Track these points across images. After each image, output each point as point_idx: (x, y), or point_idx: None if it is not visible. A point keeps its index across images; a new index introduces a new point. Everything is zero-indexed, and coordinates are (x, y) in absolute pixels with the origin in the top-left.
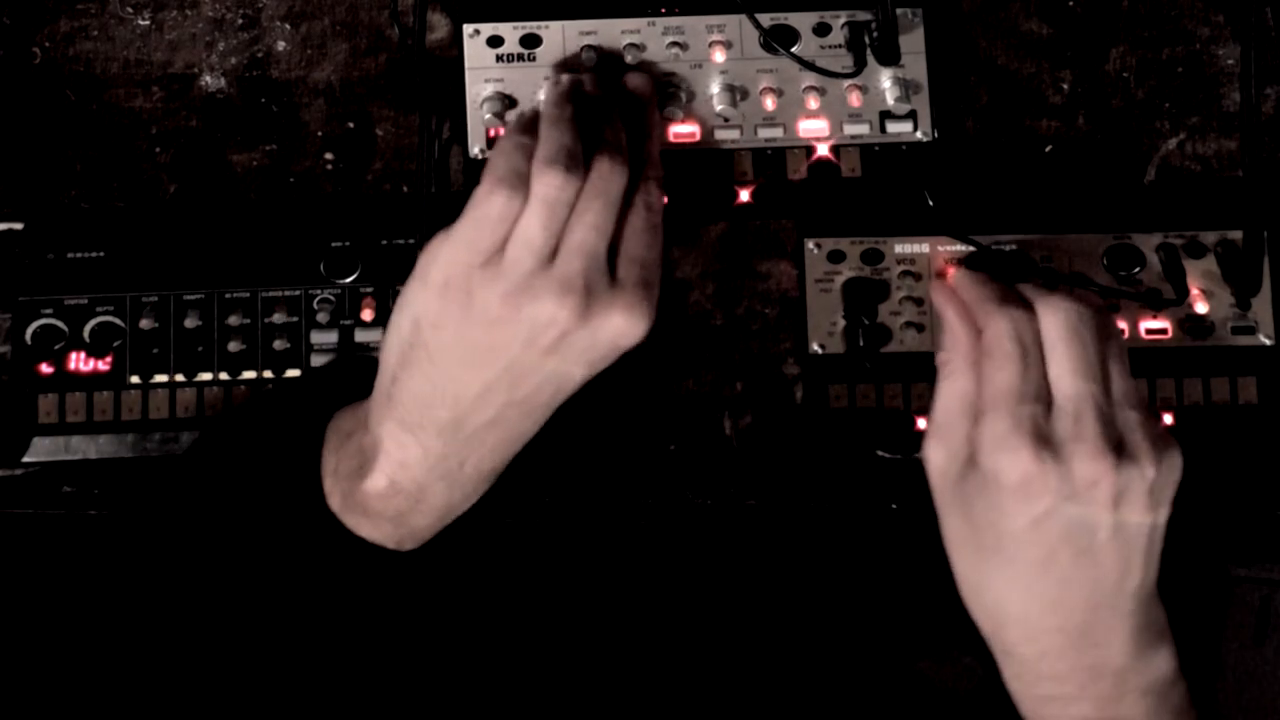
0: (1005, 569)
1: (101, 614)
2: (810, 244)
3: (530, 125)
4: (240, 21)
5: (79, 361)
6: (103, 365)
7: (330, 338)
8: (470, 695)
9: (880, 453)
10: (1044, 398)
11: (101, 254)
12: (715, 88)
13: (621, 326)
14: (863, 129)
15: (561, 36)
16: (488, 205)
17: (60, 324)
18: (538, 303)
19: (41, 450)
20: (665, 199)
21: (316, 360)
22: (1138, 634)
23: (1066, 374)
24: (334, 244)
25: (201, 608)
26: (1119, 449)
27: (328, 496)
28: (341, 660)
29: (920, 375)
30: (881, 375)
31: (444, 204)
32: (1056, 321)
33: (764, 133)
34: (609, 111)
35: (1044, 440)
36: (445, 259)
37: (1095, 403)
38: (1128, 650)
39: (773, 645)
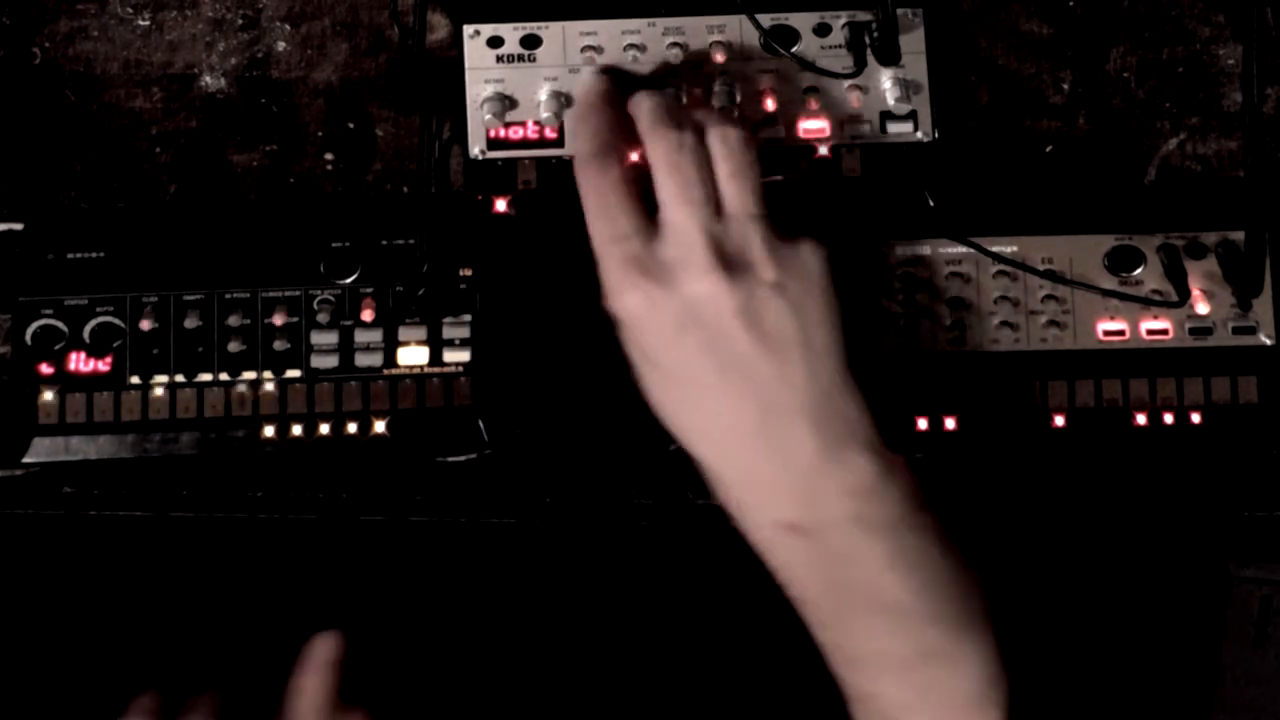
0: (676, 391)
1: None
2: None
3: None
4: (240, 22)
5: (79, 362)
6: (103, 366)
7: (330, 338)
8: (470, 690)
9: None
10: (643, 231)
11: (101, 254)
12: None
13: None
14: (863, 129)
15: (562, 37)
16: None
17: (60, 324)
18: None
19: (41, 451)
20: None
21: (317, 361)
22: (819, 430)
23: (667, 205)
24: (334, 244)
25: None
26: (729, 264)
27: None
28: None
29: (921, 375)
30: (882, 375)
31: (444, 204)
32: (655, 156)
33: (764, 133)
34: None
35: (646, 271)
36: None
37: (701, 225)
38: (811, 447)
39: (771, 645)
